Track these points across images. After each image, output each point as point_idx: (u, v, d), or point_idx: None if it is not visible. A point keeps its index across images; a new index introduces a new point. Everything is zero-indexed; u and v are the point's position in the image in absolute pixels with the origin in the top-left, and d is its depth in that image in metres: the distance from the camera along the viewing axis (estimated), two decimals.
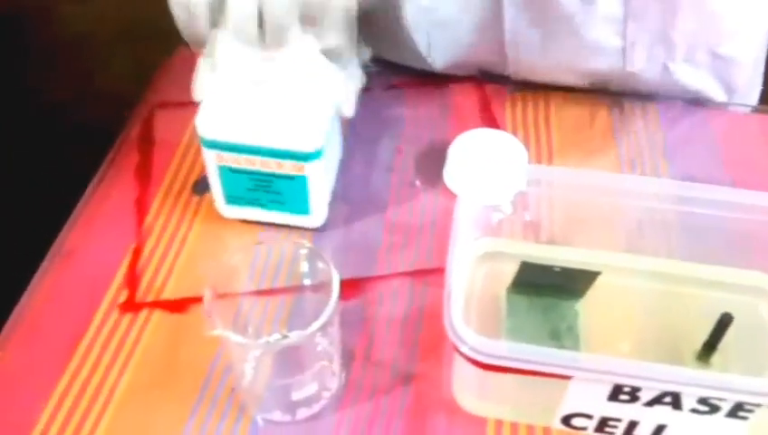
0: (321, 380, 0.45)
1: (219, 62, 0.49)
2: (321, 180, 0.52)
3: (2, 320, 0.50)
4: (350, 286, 0.51)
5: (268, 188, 0.52)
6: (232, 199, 0.54)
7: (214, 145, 0.50)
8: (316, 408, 0.45)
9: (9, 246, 0.61)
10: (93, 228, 0.56)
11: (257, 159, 0.50)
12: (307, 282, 0.45)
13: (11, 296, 0.52)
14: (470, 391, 0.45)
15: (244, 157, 0.50)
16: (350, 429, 0.45)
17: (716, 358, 0.47)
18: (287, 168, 0.50)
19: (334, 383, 0.46)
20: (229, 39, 0.49)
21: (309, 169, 0.51)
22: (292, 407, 0.45)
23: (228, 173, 0.52)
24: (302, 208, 0.53)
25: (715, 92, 0.66)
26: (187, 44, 0.51)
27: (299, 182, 0.51)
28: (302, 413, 0.45)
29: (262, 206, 0.54)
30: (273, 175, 0.51)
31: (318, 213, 0.54)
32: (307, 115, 0.50)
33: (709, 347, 0.47)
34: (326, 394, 0.46)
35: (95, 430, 0.45)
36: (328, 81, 0.51)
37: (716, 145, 0.63)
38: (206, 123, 0.50)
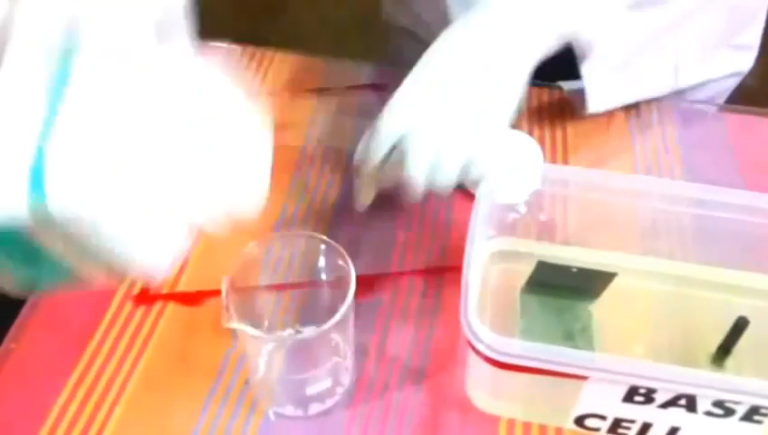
0: (335, 375, 0.45)
1: None
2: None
3: (17, 311, 0.50)
4: (365, 283, 0.51)
5: None
6: None
7: None
8: (329, 403, 0.45)
9: None
10: None
11: None
12: (323, 277, 0.45)
13: None
14: (483, 389, 0.45)
15: None
16: (363, 425, 0.45)
17: (730, 362, 0.47)
18: None
19: (347, 379, 0.46)
20: None
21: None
22: (304, 402, 0.45)
23: None
24: None
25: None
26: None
27: None
28: (315, 408, 0.45)
29: None
30: None
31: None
32: None
33: (724, 351, 0.46)
34: (339, 390, 0.46)
35: (108, 421, 0.45)
36: None
37: (731, 148, 0.63)
38: None
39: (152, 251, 0.34)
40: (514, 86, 0.52)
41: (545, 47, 0.53)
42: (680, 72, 0.65)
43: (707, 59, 0.66)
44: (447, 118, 0.50)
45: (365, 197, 0.54)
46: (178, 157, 0.32)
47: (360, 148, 0.56)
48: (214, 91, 0.34)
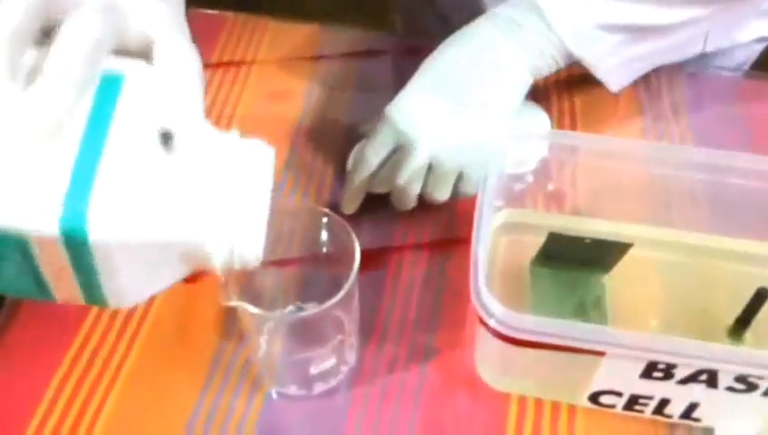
0: (339, 353, 0.43)
1: None
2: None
3: (5, 295, 0.49)
4: (369, 257, 0.49)
5: None
6: None
7: None
8: (333, 382, 0.44)
9: None
10: None
11: None
12: (326, 251, 0.43)
13: None
14: (493, 365, 0.44)
15: None
16: (368, 403, 0.44)
17: (749, 334, 0.45)
18: None
19: (352, 357, 0.45)
20: None
21: None
22: (308, 381, 0.43)
23: None
24: None
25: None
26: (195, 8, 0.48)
27: None
28: (319, 387, 0.44)
29: None
30: None
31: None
32: None
33: (742, 323, 0.45)
34: (343, 368, 0.44)
35: (104, 403, 0.43)
36: None
37: (743, 116, 0.61)
38: None
39: (136, 286, 0.33)
40: (515, 100, 0.51)
41: (550, 65, 0.52)
42: (708, 38, 0.63)
43: (735, 24, 0.64)
44: (448, 129, 0.49)
45: (349, 206, 0.52)
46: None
47: (353, 153, 0.54)
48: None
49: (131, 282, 0.32)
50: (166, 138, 0.30)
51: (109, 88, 0.29)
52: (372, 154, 0.49)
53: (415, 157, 0.48)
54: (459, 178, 0.49)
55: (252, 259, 0.33)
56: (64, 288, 0.31)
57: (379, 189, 0.51)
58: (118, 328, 0.47)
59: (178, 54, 0.31)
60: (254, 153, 0.33)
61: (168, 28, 0.31)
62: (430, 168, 0.49)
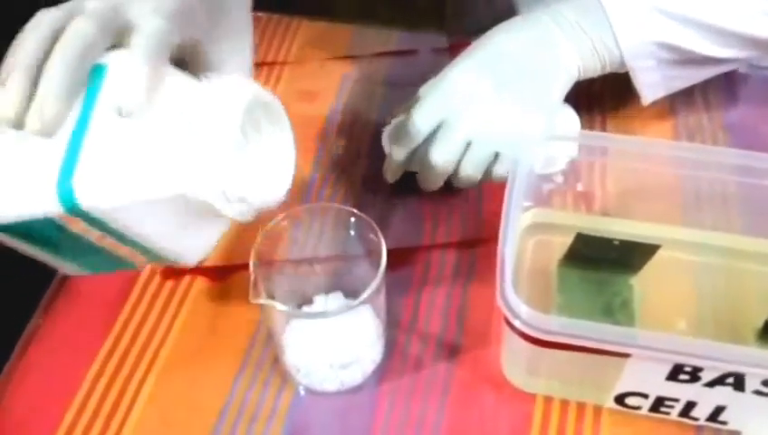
0: (366, 350, 0.44)
1: None
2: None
3: (45, 287, 0.50)
4: (396, 256, 0.50)
5: None
6: None
7: None
8: (360, 379, 0.44)
9: None
10: None
11: None
12: (354, 250, 0.44)
13: None
14: (519, 366, 0.44)
15: None
16: (394, 400, 0.44)
17: None
18: None
19: (379, 354, 0.45)
20: None
21: None
22: (335, 377, 0.44)
23: None
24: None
25: None
26: None
27: None
28: (346, 384, 0.44)
29: None
30: None
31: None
32: None
33: None
34: (370, 365, 0.45)
35: (138, 396, 0.45)
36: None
37: None
38: None
39: (183, 242, 0.37)
40: (560, 95, 0.52)
41: (596, 69, 0.53)
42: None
43: None
44: (491, 110, 0.49)
45: (392, 176, 0.53)
46: (208, 151, 0.33)
47: (388, 131, 0.55)
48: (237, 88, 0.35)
49: (172, 240, 0.37)
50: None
51: (95, 77, 0.34)
52: (419, 123, 0.49)
53: (455, 132, 0.48)
54: (493, 160, 0.50)
55: (257, 197, 0.36)
56: (124, 253, 0.37)
57: (414, 168, 0.52)
58: (152, 322, 0.48)
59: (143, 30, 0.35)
60: (228, 91, 0.35)
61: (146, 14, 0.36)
62: (467, 146, 0.49)
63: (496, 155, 0.50)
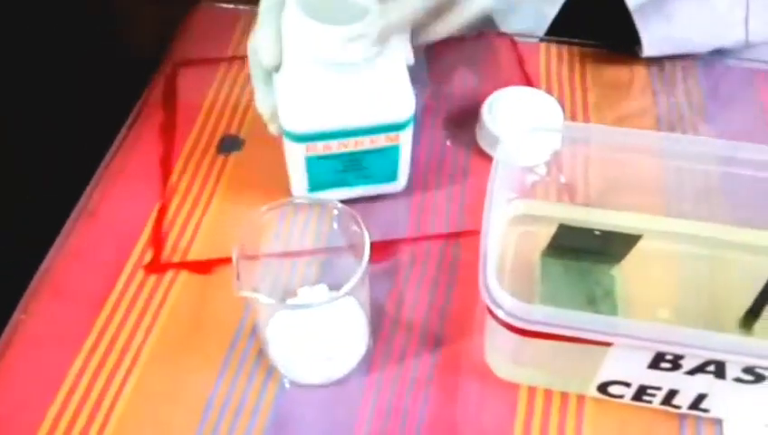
0: (351, 343, 0.44)
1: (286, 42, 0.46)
2: (409, 145, 0.50)
3: (27, 280, 0.50)
4: (380, 248, 0.50)
5: (358, 165, 0.50)
6: (316, 186, 0.51)
7: (304, 138, 0.47)
8: (345, 371, 0.45)
9: (33, 205, 0.60)
10: (117, 188, 0.55)
11: (351, 141, 0.48)
12: (337, 243, 0.44)
13: (36, 256, 0.51)
14: (503, 356, 0.44)
15: (337, 142, 0.47)
16: (380, 393, 0.44)
17: (759, 325, 0.45)
18: (380, 141, 0.48)
19: (363, 347, 0.45)
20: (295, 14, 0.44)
21: (403, 138, 0.49)
22: (320, 370, 0.44)
23: (316, 162, 0.49)
24: (391, 177, 0.52)
25: None
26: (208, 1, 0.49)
27: (391, 153, 0.49)
28: (331, 377, 0.44)
29: (348, 185, 0.51)
30: (365, 152, 0.49)
31: (403, 177, 0.53)
32: (392, 83, 0.47)
33: (753, 314, 0.45)
34: (355, 358, 0.45)
35: (122, 390, 0.44)
36: (395, 42, 0.47)
37: (760, 105, 0.61)
38: (294, 117, 0.46)
39: None
40: None
41: None
42: (750, 22, 0.62)
43: None
44: None
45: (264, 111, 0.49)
46: None
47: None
48: None
49: None
50: None
51: None
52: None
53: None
54: None
55: None
56: None
57: None
58: (136, 316, 0.48)
59: None
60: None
61: None
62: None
63: None
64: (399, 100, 0.47)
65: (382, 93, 0.47)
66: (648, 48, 0.59)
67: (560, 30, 0.65)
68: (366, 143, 0.48)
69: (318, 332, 0.43)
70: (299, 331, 0.44)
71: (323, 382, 0.44)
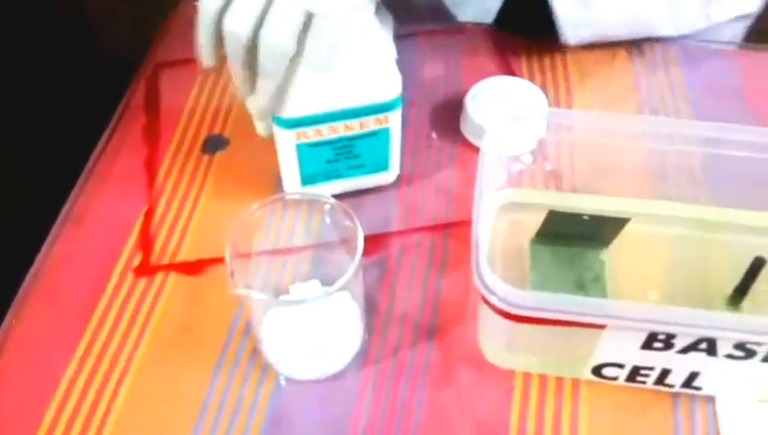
0: (345, 337, 0.44)
1: None
2: (399, 130, 0.50)
3: (16, 287, 0.49)
4: (371, 242, 0.50)
5: (349, 153, 0.50)
6: (308, 179, 0.51)
7: (294, 123, 0.47)
8: (340, 366, 0.45)
9: (19, 213, 0.60)
10: (103, 192, 0.55)
11: (340, 124, 0.48)
12: (330, 238, 0.44)
13: (24, 263, 0.50)
14: (497, 343, 0.44)
15: (327, 126, 0.48)
16: (376, 386, 0.44)
17: (747, 304, 0.46)
18: (370, 124, 0.48)
19: (358, 341, 0.45)
20: None
21: (392, 120, 0.49)
22: (315, 365, 0.44)
23: (307, 150, 0.49)
24: (383, 165, 0.52)
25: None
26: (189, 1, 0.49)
27: (381, 137, 0.50)
28: (326, 372, 0.44)
29: (340, 176, 0.51)
30: (356, 137, 0.49)
31: (395, 166, 0.53)
32: (377, 63, 0.47)
33: (740, 292, 0.45)
34: (350, 352, 0.45)
35: (117, 394, 0.44)
36: (380, 25, 0.47)
37: (740, 88, 0.61)
38: (282, 102, 0.46)
39: None
40: None
41: None
42: (681, 15, 0.63)
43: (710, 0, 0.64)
44: None
45: (205, 60, 0.46)
46: None
47: None
48: None
49: None
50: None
51: None
52: None
53: None
54: (305, 25, 0.43)
55: None
56: None
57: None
58: (127, 319, 0.47)
59: None
60: None
61: None
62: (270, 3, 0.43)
63: (309, 18, 0.43)
64: (386, 80, 0.47)
65: (368, 74, 0.47)
66: (570, 36, 0.59)
67: (508, 19, 0.66)
68: (356, 127, 0.48)
69: (312, 327, 0.43)
70: (293, 327, 0.44)
71: (319, 377, 0.44)
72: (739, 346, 0.38)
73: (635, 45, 0.64)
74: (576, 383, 0.44)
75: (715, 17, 0.65)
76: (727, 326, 0.37)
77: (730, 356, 0.39)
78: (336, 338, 0.44)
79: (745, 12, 0.67)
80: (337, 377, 0.45)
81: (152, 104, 0.60)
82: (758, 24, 0.70)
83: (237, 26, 0.42)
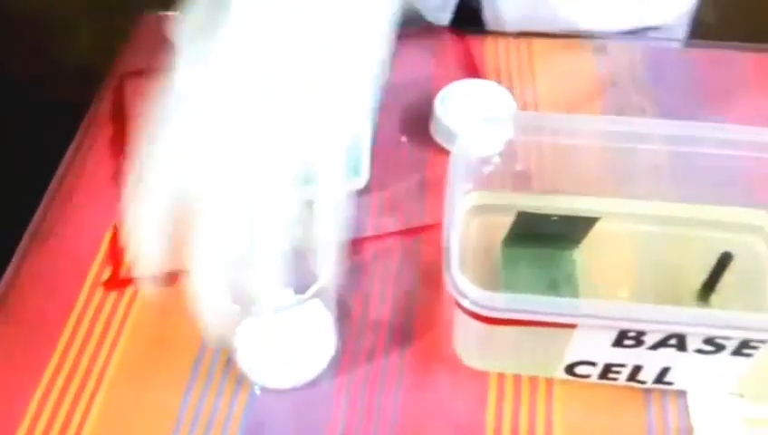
0: (319, 345, 0.44)
1: None
2: (368, 134, 0.50)
3: None
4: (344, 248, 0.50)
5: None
6: None
7: None
8: (315, 373, 0.44)
9: None
10: (71, 207, 0.54)
11: None
12: (300, 244, 0.44)
13: None
14: (471, 345, 0.45)
15: None
16: (350, 392, 0.44)
17: (715, 298, 0.46)
18: None
19: (332, 347, 0.45)
20: None
21: (361, 126, 0.49)
22: (289, 374, 0.44)
23: None
24: (354, 170, 0.52)
25: None
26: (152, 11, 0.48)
27: (351, 143, 0.49)
28: (301, 380, 0.44)
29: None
30: None
31: (366, 171, 0.53)
32: None
33: (708, 287, 0.46)
34: (324, 359, 0.45)
35: (89, 412, 0.44)
36: None
37: (702, 85, 0.62)
38: None
39: None
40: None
41: None
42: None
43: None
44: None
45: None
46: None
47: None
48: None
49: None
50: None
51: None
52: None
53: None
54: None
55: None
56: None
57: None
58: (97, 336, 0.47)
59: None
60: None
61: None
62: None
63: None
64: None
65: None
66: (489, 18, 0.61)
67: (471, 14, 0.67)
68: None
69: (285, 336, 0.43)
70: (266, 336, 0.43)
71: (294, 385, 0.44)
72: (708, 341, 0.39)
73: (600, 47, 0.64)
74: (550, 383, 0.44)
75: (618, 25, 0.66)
76: (695, 322, 0.38)
77: (700, 351, 0.40)
78: (309, 346, 0.44)
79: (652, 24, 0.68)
80: (312, 385, 0.45)
81: (118, 115, 0.60)
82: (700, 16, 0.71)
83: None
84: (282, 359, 0.43)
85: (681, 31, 0.71)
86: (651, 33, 0.68)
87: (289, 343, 0.43)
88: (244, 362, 0.44)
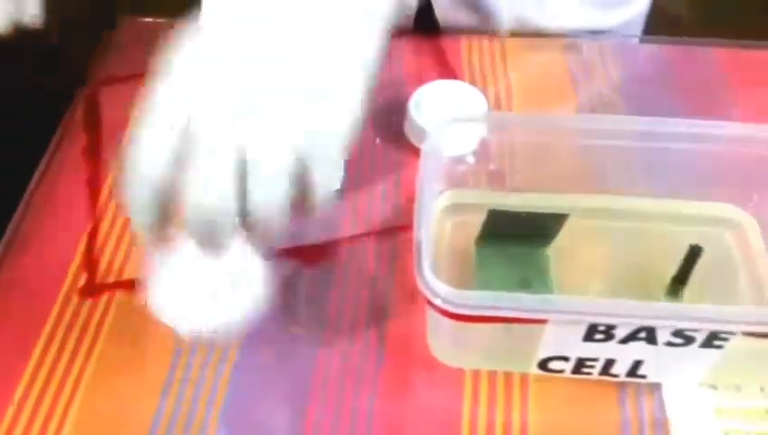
0: (242, 278, 0.43)
1: None
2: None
3: None
4: (319, 250, 0.50)
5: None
6: None
7: None
8: (243, 315, 0.42)
9: None
10: (45, 215, 0.54)
11: None
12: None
13: None
14: (446, 344, 0.45)
15: None
16: (326, 395, 0.44)
17: (686, 292, 0.47)
18: None
19: (260, 288, 0.43)
20: None
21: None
22: (215, 313, 0.43)
23: None
24: None
25: None
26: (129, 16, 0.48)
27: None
28: (229, 321, 0.42)
29: None
30: None
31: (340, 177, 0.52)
32: None
33: (678, 281, 0.47)
34: (251, 300, 0.43)
35: (65, 420, 0.43)
36: None
37: (672, 81, 0.63)
38: None
39: None
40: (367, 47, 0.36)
41: None
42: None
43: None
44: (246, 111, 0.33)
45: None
46: None
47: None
48: None
49: None
50: None
51: None
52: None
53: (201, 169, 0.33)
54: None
55: None
56: None
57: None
58: (72, 344, 0.47)
59: None
60: None
61: None
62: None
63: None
64: None
65: None
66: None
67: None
68: None
69: (205, 271, 0.42)
70: (183, 275, 0.43)
71: (217, 328, 0.42)
72: (677, 333, 0.39)
73: (572, 45, 0.65)
74: (525, 378, 0.45)
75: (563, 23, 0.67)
76: (662, 315, 0.38)
77: (670, 344, 0.40)
78: (232, 280, 0.42)
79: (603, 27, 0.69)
80: (288, 392, 0.45)
81: (92, 123, 0.59)
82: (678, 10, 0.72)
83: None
84: (204, 295, 0.42)
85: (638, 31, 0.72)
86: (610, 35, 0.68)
87: (210, 277, 0.42)
88: (166, 309, 0.43)
